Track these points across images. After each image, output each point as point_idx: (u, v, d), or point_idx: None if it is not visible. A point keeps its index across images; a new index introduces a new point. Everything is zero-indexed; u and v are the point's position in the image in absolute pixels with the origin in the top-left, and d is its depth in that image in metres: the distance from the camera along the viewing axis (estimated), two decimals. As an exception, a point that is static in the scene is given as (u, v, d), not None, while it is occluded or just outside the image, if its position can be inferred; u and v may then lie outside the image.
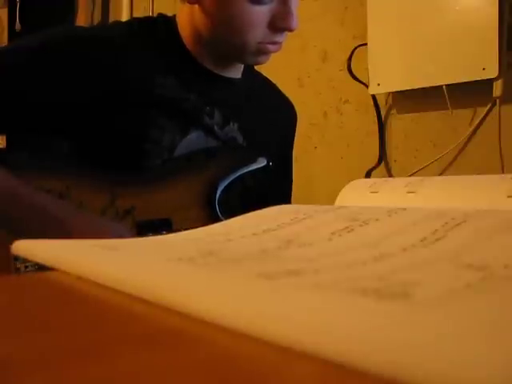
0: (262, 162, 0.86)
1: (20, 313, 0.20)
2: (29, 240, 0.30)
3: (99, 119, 0.80)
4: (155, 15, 0.90)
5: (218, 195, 0.82)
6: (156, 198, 0.79)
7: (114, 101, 0.80)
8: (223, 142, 0.88)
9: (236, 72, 0.92)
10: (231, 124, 0.90)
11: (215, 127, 0.88)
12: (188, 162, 0.84)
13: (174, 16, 0.88)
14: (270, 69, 1.73)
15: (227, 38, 0.81)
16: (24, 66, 0.76)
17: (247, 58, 0.84)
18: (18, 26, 2.14)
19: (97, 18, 2.34)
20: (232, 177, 0.84)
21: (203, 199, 0.81)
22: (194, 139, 0.85)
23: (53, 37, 0.79)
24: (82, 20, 2.31)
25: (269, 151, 0.91)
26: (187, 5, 0.83)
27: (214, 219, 0.79)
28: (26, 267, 0.68)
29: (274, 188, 0.97)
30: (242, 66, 0.93)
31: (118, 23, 0.90)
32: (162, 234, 0.73)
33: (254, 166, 0.86)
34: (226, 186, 0.83)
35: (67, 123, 0.80)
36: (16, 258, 0.67)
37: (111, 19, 2.29)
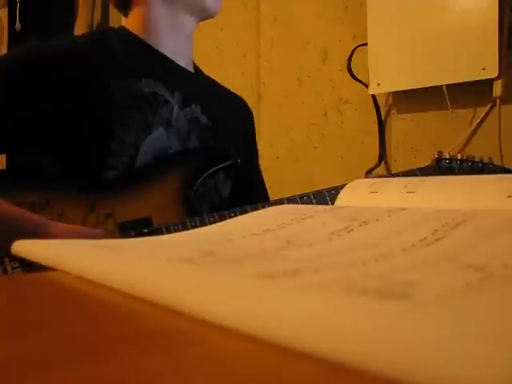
0: (230, 160, 0.91)
1: (20, 313, 0.20)
2: (29, 240, 0.30)
3: (67, 127, 0.84)
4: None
5: (193, 192, 0.86)
6: (134, 200, 0.83)
7: (77, 108, 0.83)
8: (181, 136, 0.91)
9: (189, 65, 0.99)
10: (193, 106, 0.94)
11: (173, 113, 0.90)
12: (163, 164, 0.88)
13: (122, 26, 0.96)
14: (270, 69, 1.73)
15: None
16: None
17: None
18: (18, 25, 2.14)
19: (97, 18, 2.34)
20: (204, 175, 0.88)
21: (180, 197, 0.85)
22: (156, 139, 0.88)
23: (16, 54, 0.86)
24: (82, 20, 2.31)
25: (232, 138, 0.98)
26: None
27: (192, 215, 0.83)
28: (14, 269, 0.69)
29: (245, 179, 1.01)
30: (192, 61, 1.00)
31: (73, 37, 1.01)
32: (143, 232, 0.77)
33: (223, 164, 0.91)
34: (200, 183, 0.87)
35: (37, 137, 0.85)
36: (2, 261, 0.69)
37: (111, 19, 2.29)
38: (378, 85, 1.41)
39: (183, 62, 0.96)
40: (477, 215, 0.28)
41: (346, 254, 0.25)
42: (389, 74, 1.39)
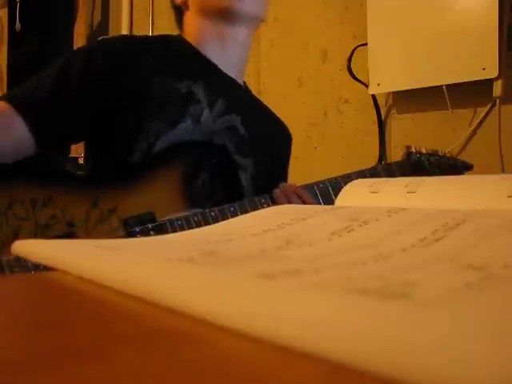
0: (225, 156, 0.92)
1: (20, 313, 0.20)
2: (29, 240, 0.30)
3: (107, 115, 0.87)
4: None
5: (194, 187, 0.87)
6: (137, 195, 0.83)
7: (121, 98, 0.87)
8: (206, 134, 0.92)
9: (239, 77, 1.01)
10: (234, 115, 0.96)
11: (204, 114, 0.92)
12: (164, 158, 0.89)
13: (179, 35, 1.01)
14: (270, 69, 1.73)
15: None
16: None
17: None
18: (18, 25, 2.14)
19: (97, 18, 2.34)
20: (204, 168, 0.90)
21: (181, 192, 0.86)
22: (182, 130, 0.89)
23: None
24: (81, 20, 2.31)
25: (267, 154, 0.99)
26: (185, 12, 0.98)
27: (194, 208, 0.84)
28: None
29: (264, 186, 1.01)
30: (243, 74, 1.03)
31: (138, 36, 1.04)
32: (147, 227, 0.77)
33: (215, 159, 0.91)
34: (205, 179, 0.88)
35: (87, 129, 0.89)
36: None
37: (111, 19, 2.29)
38: (378, 85, 1.41)
39: (233, 73, 0.99)
40: (477, 215, 0.28)
41: (346, 253, 0.25)
42: (389, 74, 1.39)
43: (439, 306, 0.16)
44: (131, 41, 0.94)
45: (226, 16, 0.94)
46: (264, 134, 1.02)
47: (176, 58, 0.94)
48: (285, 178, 1.12)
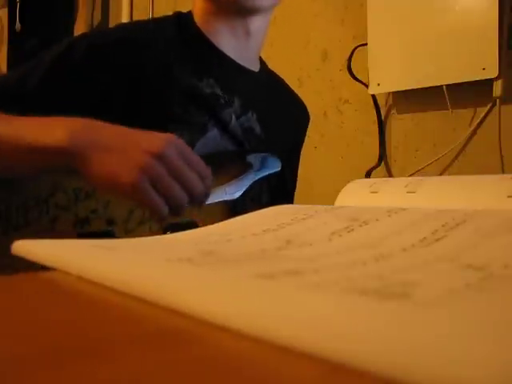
0: (276, 168, 0.85)
1: (20, 313, 0.20)
2: (28, 240, 0.30)
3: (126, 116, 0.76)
4: (171, 14, 0.90)
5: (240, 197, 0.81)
6: None
7: (138, 96, 0.78)
8: (236, 139, 0.87)
9: (255, 65, 0.92)
10: (249, 114, 0.89)
11: (232, 119, 0.86)
12: (212, 163, 0.83)
13: (190, 11, 0.89)
14: (270, 68, 1.72)
15: None
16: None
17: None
18: (18, 25, 2.14)
19: (97, 18, 2.34)
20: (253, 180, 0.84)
21: (225, 202, 0.80)
22: (212, 138, 0.84)
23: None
24: (81, 20, 2.31)
25: (282, 148, 0.91)
26: None
27: (235, 214, 0.79)
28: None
29: (279, 185, 0.96)
30: (259, 59, 0.93)
31: (137, 22, 0.92)
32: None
33: (267, 172, 0.85)
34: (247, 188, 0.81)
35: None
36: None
37: (111, 19, 2.29)
38: (378, 85, 1.41)
39: (247, 61, 0.89)
40: (477, 215, 0.28)
41: (346, 254, 0.25)
42: (389, 74, 1.39)
43: (439, 306, 0.16)
44: (140, 29, 0.82)
45: (239, 10, 0.84)
46: (281, 128, 0.96)
47: (189, 54, 0.84)
48: (297, 162, 1.06)
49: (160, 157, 0.56)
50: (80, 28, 2.27)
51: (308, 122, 1.08)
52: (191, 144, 0.80)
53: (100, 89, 0.78)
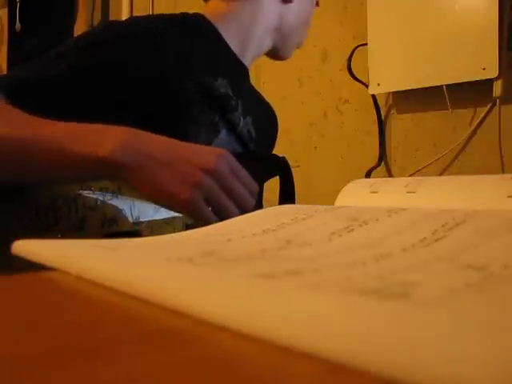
0: (286, 169, 0.85)
1: (20, 313, 0.20)
2: (28, 240, 0.30)
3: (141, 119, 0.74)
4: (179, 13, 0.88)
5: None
6: None
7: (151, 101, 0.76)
8: (243, 140, 0.87)
9: (248, 60, 0.92)
10: (248, 118, 0.90)
11: (241, 121, 0.86)
12: None
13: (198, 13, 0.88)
14: (270, 69, 1.73)
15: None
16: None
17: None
18: (18, 25, 2.14)
19: (97, 18, 2.34)
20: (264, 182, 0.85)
21: None
22: (224, 138, 0.83)
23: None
24: (81, 20, 2.31)
25: (266, 152, 0.94)
26: (237, 3, 0.87)
27: None
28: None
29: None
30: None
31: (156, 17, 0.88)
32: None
33: (279, 173, 0.85)
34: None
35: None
36: None
37: (111, 19, 2.28)
38: (378, 85, 1.41)
39: (247, 62, 0.90)
40: (477, 215, 0.28)
41: (346, 254, 0.25)
42: (389, 74, 1.39)
43: (439, 306, 0.16)
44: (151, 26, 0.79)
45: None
46: (266, 134, 0.97)
47: (205, 53, 0.83)
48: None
49: (213, 173, 0.57)
50: (80, 28, 2.27)
51: (277, 121, 1.09)
52: (208, 145, 0.79)
53: (129, 80, 0.74)
